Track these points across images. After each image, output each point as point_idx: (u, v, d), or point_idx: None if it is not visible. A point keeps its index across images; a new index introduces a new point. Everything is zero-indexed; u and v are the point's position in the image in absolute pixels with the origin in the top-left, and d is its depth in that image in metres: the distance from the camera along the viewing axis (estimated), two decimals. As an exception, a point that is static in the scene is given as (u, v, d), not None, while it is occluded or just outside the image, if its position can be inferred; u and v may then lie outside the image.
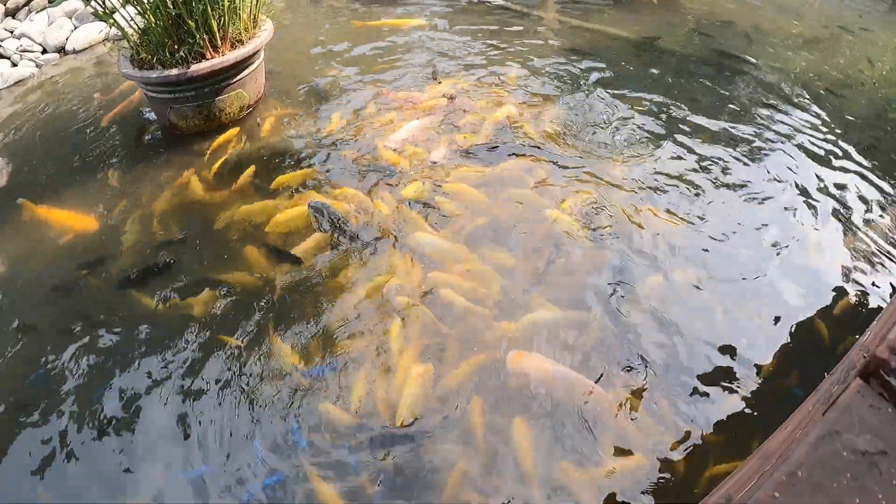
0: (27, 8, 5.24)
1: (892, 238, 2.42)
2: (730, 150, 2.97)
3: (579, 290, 2.23)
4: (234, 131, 3.35)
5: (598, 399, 1.86)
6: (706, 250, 2.38)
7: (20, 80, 4.56)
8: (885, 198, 2.65)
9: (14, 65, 4.70)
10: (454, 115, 3.30)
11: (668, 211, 2.57)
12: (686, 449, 1.72)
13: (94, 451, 1.87)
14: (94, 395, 2.03)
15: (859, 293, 2.17)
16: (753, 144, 3.02)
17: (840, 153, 2.95)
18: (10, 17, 5.20)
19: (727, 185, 2.73)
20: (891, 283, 2.21)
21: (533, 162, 2.89)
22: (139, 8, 3.15)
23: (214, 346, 2.14)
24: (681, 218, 2.53)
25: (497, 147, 3.01)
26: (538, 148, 3.00)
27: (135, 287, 2.42)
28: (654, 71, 3.80)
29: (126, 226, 2.75)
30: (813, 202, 2.62)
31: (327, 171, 3.01)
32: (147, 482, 1.77)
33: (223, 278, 2.40)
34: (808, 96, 3.46)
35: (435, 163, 2.94)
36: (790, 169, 2.84)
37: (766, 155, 2.94)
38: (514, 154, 2.96)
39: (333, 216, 2.57)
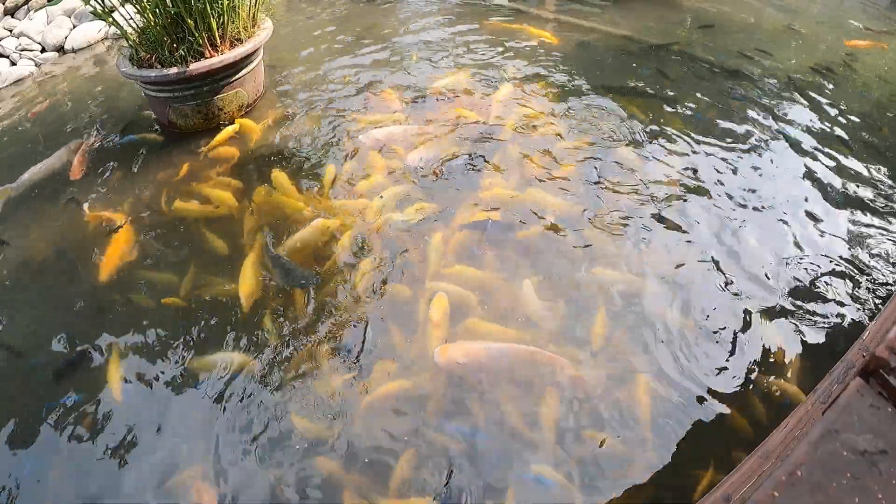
0: (26, 6, 5.23)
1: (892, 236, 2.42)
2: (726, 145, 2.98)
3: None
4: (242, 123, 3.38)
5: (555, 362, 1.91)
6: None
7: (19, 79, 4.56)
8: (885, 197, 2.65)
9: (13, 64, 4.69)
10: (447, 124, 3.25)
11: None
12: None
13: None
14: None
15: (858, 289, 2.17)
16: (751, 142, 3.02)
17: (840, 151, 2.95)
18: (8, 16, 5.20)
19: (721, 182, 2.73)
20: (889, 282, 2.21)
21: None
22: (138, 6, 3.14)
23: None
24: (676, 224, 2.53)
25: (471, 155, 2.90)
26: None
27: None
28: (652, 69, 3.79)
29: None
30: (812, 201, 2.62)
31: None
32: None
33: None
34: (805, 93, 3.46)
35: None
36: (787, 166, 2.84)
37: (763, 153, 2.94)
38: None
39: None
